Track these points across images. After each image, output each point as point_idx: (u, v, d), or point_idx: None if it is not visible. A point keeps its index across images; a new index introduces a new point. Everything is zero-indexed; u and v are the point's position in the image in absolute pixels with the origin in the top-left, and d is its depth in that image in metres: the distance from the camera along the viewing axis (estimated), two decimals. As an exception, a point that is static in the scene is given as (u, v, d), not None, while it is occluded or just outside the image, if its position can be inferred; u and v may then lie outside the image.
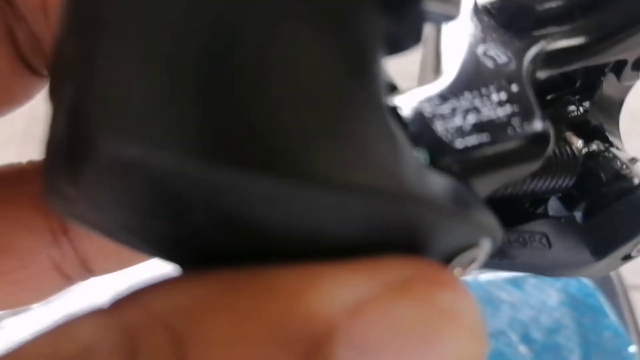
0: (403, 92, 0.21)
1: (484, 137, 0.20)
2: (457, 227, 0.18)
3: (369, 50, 0.16)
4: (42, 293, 0.22)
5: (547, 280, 0.81)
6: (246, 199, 0.14)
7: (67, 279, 0.22)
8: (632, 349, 0.78)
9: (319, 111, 0.14)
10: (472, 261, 0.19)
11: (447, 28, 0.23)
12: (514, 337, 0.78)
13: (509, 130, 0.20)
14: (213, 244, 0.15)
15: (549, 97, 0.27)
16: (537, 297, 0.80)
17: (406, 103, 0.20)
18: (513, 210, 0.25)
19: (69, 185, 0.14)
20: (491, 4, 0.24)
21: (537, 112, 0.21)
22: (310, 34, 0.14)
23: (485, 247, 0.19)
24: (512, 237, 0.24)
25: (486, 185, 0.21)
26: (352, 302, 0.14)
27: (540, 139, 0.21)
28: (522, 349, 0.78)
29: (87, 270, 0.23)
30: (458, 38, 0.23)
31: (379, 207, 0.15)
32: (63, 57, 0.14)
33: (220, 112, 0.13)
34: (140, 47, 0.13)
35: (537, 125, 0.21)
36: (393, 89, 0.21)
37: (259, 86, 0.13)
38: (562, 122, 0.26)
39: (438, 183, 0.18)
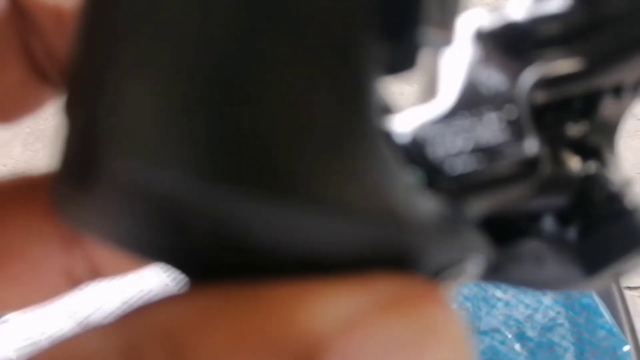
0: (399, 114, 0.21)
1: (479, 163, 0.20)
2: (445, 248, 0.18)
3: (363, 77, 0.16)
4: (50, 295, 0.23)
5: (543, 279, 0.82)
6: (246, 219, 0.14)
7: (76, 281, 0.23)
8: (626, 348, 0.79)
9: (316, 139, 0.15)
10: (461, 277, 0.20)
11: (447, 51, 0.24)
12: (509, 335, 0.79)
13: (504, 155, 0.21)
14: (215, 258, 0.16)
15: (547, 117, 0.27)
16: (532, 296, 0.81)
17: (401, 126, 0.20)
18: (507, 228, 0.25)
19: (79, 200, 0.15)
20: (490, 26, 0.24)
21: (533, 136, 0.21)
22: (307, 64, 0.15)
23: (473, 265, 0.20)
24: (505, 254, 0.24)
25: (479, 207, 0.21)
26: (343, 317, 0.15)
27: (535, 163, 0.21)
28: (517, 347, 0.78)
29: (97, 273, 0.23)
30: (457, 61, 0.23)
31: (369, 229, 0.16)
32: (78, 76, 0.15)
33: (222, 137, 0.14)
34: (149, 72, 0.14)
35: (533, 149, 0.21)
36: (389, 110, 0.22)
37: (258, 115, 0.14)
38: (560, 142, 0.27)
39: (429, 206, 0.18)
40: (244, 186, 0.14)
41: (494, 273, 0.24)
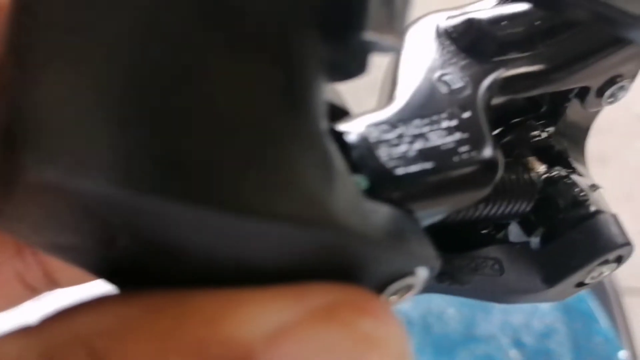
0: (354, 117, 0.21)
1: (428, 164, 0.20)
2: (390, 257, 0.18)
3: (305, 78, 0.16)
4: (6, 303, 0.23)
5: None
6: (166, 225, 0.14)
7: (32, 290, 0.23)
8: (622, 354, 0.78)
9: (244, 139, 0.14)
10: (408, 288, 0.20)
11: (406, 52, 0.23)
12: (505, 342, 0.79)
13: (455, 158, 0.20)
14: (143, 266, 0.16)
15: (513, 121, 0.27)
16: (529, 302, 0.80)
17: (353, 128, 0.20)
18: (467, 236, 0.25)
19: (3, 204, 0.15)
20: (453, 28, 0.24)
21: (488, 139, 0.21)
22: (243, 65, 0.15)
23: (421, 276, 0.19)
24: (463, 263, 0.24)
25: (430, 211, 0.21)
26: (273, 327, 0.15)
27: (488, 167, 0.21)
28: (513, 353, 0.78)
29: (52, 282, 0.23)
30: (416, 62, 0.23)
31: (304, 235, 0.16)
32: (2, 78, 0.15)
33: (141, 141, 0.13)
34: (69, 77, 0.13)
35: (486, 152, 0.21)
36: (344, 113, 0.22)
37: (182, 114, 0.14)
38: (525, 146, 0.26)
39: (373, 212, 0.18)
40: (164, 193, 0.13)
41: (451, 283, 0.24)
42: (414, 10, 0.25)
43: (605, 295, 0.84)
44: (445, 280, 0.24)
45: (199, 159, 0.14)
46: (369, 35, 0.16)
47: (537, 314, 0.80)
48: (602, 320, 0.80)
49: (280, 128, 0.15)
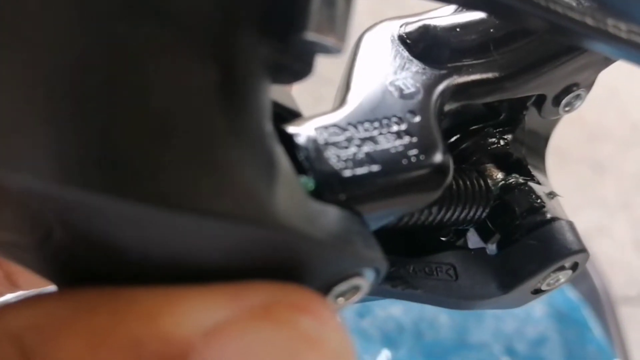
0: (305, 119, 0.21)
1: (375, 167, 0.20)
2: (335, 258, 0.18)
3: (244, 77, 0.16)
4: None
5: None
6: (100, 220, 0.14)
7: None
8: (616, 363, 0.78)
9: (179, 136, 0.14)
10: (355, 290, 0.20)
11: (361, 57, 0.24)
12: (498, 349, 0.78)
13: (404, 161, 0.21)
14: (83, 263, 0.16)
15: (472, 128, 0.27)
16: (521, 309, 0.80)
17: (303, 130, 0.20)
18: (422, 240, 0.25)
19: None
20: (407, 34, 0.24)
21: (437, 144, 0.21)
22: (177, 57, 0.15)
23: (367, 277, 0.20)
24: (418, 267, 0.24)
25: (379, 213, 0.21)
26: (211, 324, 0.15)
27: (437, 171, 0.21)
28: (505, 361, 0.78)
29: (13, 284, 0.23)
30: (370, 67, 0.23)
31: (242, 234, 0.16)
32: None
33: (72, 136, 0.13)
34: (6, 72, 0.13)
35: (435, 157, 0.21)
36: (295, 115, 0.22)
37: (114, 110, 0.14)
38: (483, 153, 0.27)
39: (319, 213, 0.18)
40: (94, 188, 0.13)
41: (405, 287, 0.24)
42: (372, 18, 0.26)
43: (599, 304, 0.83)
44: (399, 285, 0.24)
45: (131, 155, 0.14)
46: (311, 36, 0.16)
47: (530, 321, 0.80)
48: (596, 329, 0.79)
49: (217, 126, 0.15)
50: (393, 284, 0.24)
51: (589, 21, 0.19)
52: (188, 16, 0.15)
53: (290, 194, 0.17)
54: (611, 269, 1.03)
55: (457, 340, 0.78)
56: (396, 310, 0.75)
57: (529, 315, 0.80)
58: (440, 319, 0.78)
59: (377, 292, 0.24)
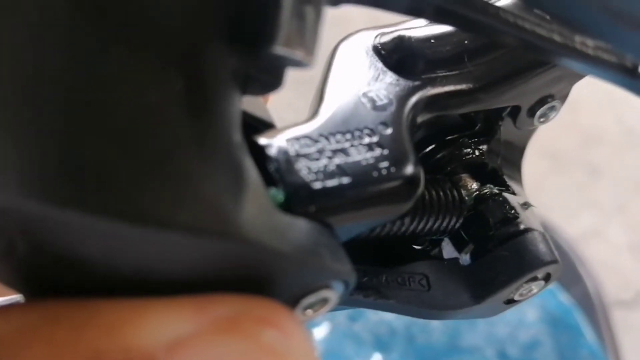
0: (277, 130, 0.21)
1: (346, 179, 0.20)
2: (302, 270, 0.18)
3: (212, 88, 0.16)
4: None
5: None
6: (63, 233, 0.14)
7: None
8: (608, 367, 0.78)
9: (141, 147, 0.14)
10: (323, 302, 0.20)
11: (335, 68, 0.24)
12: (490, 353, 0.78)
13: (375, 173, 0.21)
14: (48, 275, 0.16)
15: (447, 137, 0.27)
16: (514, 313, 0.80)
17: (274, 142, 0.20)
18: (396, 250, 0.25)
19: None
20: (382, 45, 0.24)
21: (409, 156, 0.21)
22: (142, 67, 0.15)
23: (336, 290, 0.20)
24: (390, 277, 0.24)
25: (349, 225, 0.21)
26: (174, 336, 0.15)
27: (408, 183, 0.21)
28: (498, 365, 0.78)
29: None
30: (344, 78, 0.23)
31: (207, 247, 0.16)
32: None
33: (32, 148, 0.13)
34: None
35: (406, 169, 0.21)
36: (268, 126, 0.22)
37: (75, 121, 0.14)
38: (458, 163, 0.27)
39: (287, 225, 0.18)
40: (55, 201, 0.13)
41: (377, 297, 0.24)
42: (347, 28, 0.26)
43: (592, 308, 0.83)
44: (371, 295, 0.24)
45: (92, 166, 0.14)
46: (279, 50, 0.16)
47: (523, 325, 0.80)
48: (588, 334, 0.79)
49: (181, 137, 0.15)
50: (365, 294, 0.24)
51: (557, 38, 0.19)
52: (154, 27, 0.15)
53: (257, 206, 0.17)
54: (606, 273, 1.03)
55: (449, 344, 0.78)
56: (388, 314, 0.75)
57: (522, 319, 0.80)
58: (433, 322, 0.78)
59: (348, 302, 0.24)
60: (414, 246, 0.26)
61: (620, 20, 0.17)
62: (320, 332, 0.76)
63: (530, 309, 0.81)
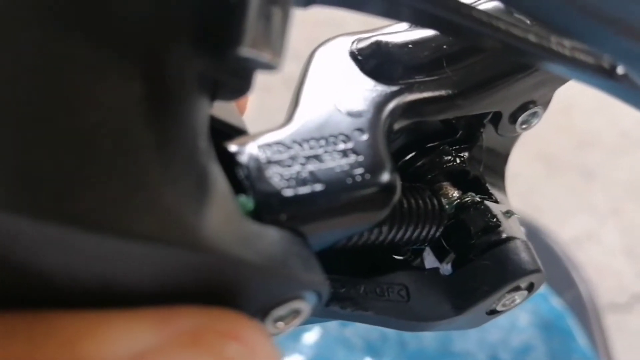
0: (249, 136, 0.21)
1: (319, 186, 0.20)
2: (271, 281, 0.18)
3: (176, 94, 0.16)
4: None
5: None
6: (17, 242, 0.13)
7: None
8: (601, 372, 0.77)
9: (99, 154, 0.14)
10: (295, 314, 0.19)
11: (312, 73, 0.23)
12: (482, 358, 0.78)
13: (348, 180, 0.20)
14: (4, 287, 0.15)
15: (428, 145, 0.27)
16: (506, 318, 0.80)
17: (246, 148, 0.20)
18: (374, 260, 0.25)
19: None
20: (359, 50, 0.24)
21: (384, 162, 0.21)
22: (102, 72, 0.14)
23: (308, 301, 0.19)
24: (369, 288, 0.24)
25: (323, 234, 0.20)
26: (136, 350, 0.14)
27: (383, 190, 0.21)
28: (490, 370, 0.77)
29: None
30: (320, 83, 0.23)
31: (168, 257, 0.15)
32: None
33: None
34: None
35: (382, 176, 0.20)
36: (240, 133, 0.21)
37: (29, 126, 0.13)
38: (439, 171, 0.26)
39: (256, 235, 0.18)
40: (12, 209, 0.13)
41: (354, 309, 0.24)
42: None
43: (585, 313, 0.83)
44: (348, 307, 0.23)
45: (48, 173, 0.13)
46: (245, 52, 0.16)
47: (515, 330, 0.79)
48: (580, 338, 0.79)
49: (143, 144, 0.15)
50: (342, 305, 0.24)
51: (532, 38, 0.19)
52: (113, 30, 0.14)
53: (223, 214, 0.17)
54: (600, 276, 1.03)
55: (441, 349, 0.78)
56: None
57: (514, 324, 0.79)
58: (425, 327, 0.78)
59: (324, 314, 0.23)
60: (396, 257, 0.26)
61: (599, 21, 0.16)
62: (311, 337, 0.75)
63: (522, 313, 0.80)
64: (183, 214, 0.15)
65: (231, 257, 0.16)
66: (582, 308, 0.83)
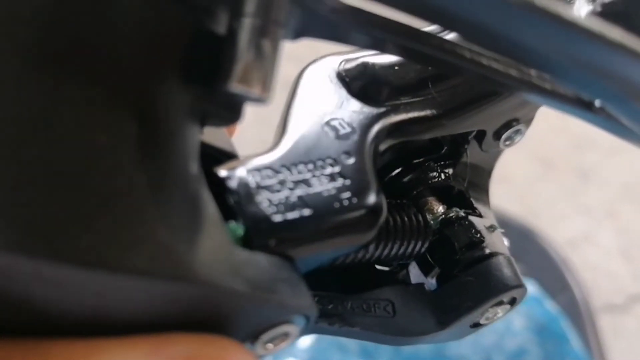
0: (239, 160, 0.21)
1: (307, 211, 0.20)
2: (260, 308, 0.18)
3: (166, 127, 0.16)
4: None
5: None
6: (10, 278, 0.14)
7: None
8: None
9: (91, 191, 0.14)
10: (284, 336, 0.20)
11: (300, 93, 0.23)
12: (476, 362, 0.78)
13: (336, 204, 0.20)
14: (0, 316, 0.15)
15: (414, 161, 0.27)
16: (501, 322, 0.80)
17: (235, 173, 0.20)
18: (361, 275, 0.25)
19: None
20: (346, 71, 0.24)
21: (371, 186, 0.21)
22: (94, 109, 0.14)
23: (296, 324, 0.20)
24: (355, 304, 0.24)
25: (311, 257, 0.21)
26: None
27: (369, 213, 0.21)
28: (484, 374, 0.77)
29: None
30: (308, 105, 0.23)
31: (159, 289, 0.15)
32: None
33: None
34: None
35: (368, 199, 0.21)
36: (229, 156, 0.21)
37: (20, 166, 0.13)
38: (425, 186, 0.26)
39: (245, 263, 0.18)
40: (4, 247, 0.13)
41: (342, 325, 0.24)
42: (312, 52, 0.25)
43: (579, 316, 0.83)
44: (336, 323, 0.24)
45: (41, 212, 0.13)
46: (235, 87, 0.16)
47: (509, 334, 0.80)
48: (575, 341, 0.79)
49: (135, 180, 0.15)
50: (330, 321, 0.24)
51: (514, 73, 0.19)
52: (104, 69, 0.15)
53: (214, 244, 0.17)
54: (596, 277, 1.03)
55: (435, 353, 0.78)
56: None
57: (508, 327, 0.79)
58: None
59: (313, 330, 0.24)
60: (381, 267, 0.26)
61: (575, 65, 0.17)
62: (305, 341, 0.76)
63: (516, 317, 0.80)
64: (174, 247, 0.16)
65: (222, 288, 0.17)
66: (576, 311, 0.83)
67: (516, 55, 0.16)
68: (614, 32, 0.15)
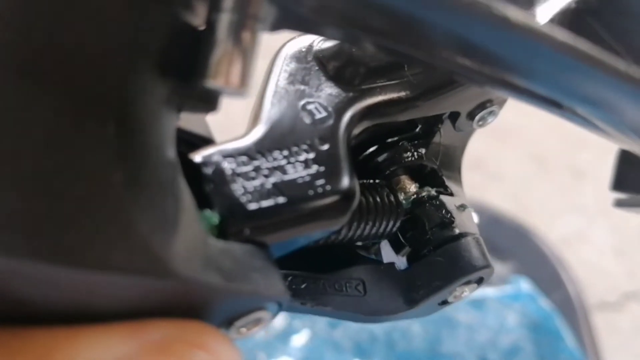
0: (215, 146, 0.21)
1: (281, 199, 0.20)
2: (234, 298, 0.19)
3: (142, 124, 0.16)
4: None
5: (506, 301, 0.81)
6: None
7: None
8: (589, 371, 0.77)
9: (70, 193, 0.14)
10: (257, 322, 0.20)
11: (276, 73, 0.23)
12: (471, 359, 0.78)
13: (310, 191, 0.21)
14: None
15: (389, 140, 0.27)
16: (495, 319, 0.80)
17: (211, 159, 0.20)
18: (331, 257, 0.25)
19: None
20: (322, 52, 0.24)
21: (344, 172, 0.21)
22: (67, 112, 0.15)
23: (270, 310, 0.20)
24: (328, 283, 0.24)
25: (285, 243, 0.21)
26: (108, 359, 0.15)
27: (343, 199, 0.21)
28: (478, 371, 0.77)
29: None
30: (284, 87, 0.23)
31: (137, 284, 0.16)
32: None
33: None
34: None
35: (341, 185, 0.21)
36: (206, 141, 0.22)
37: (1, 171, 0.14)
38: (398, 165, 0.27)
39: (219, 254, 0.18)
40: None
41: (314, 304, 0.24)
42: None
43: (574, 313, 0.83)
44: (308, 302, 0.24)
45: (20, 215, 0.14)
46: (212, 83, 0.16)
47: (503, 331, 0.79)
48: (569, 339, 0.79)
49: (112, 178, 0.15)
50: (302, 301, 0.24)
51: (487, 71, 0.19)
52: (77, 70, 0.15)
53: (189, 235, 0.18)
54: (590, 275, 1.03)
55: (429, 350, 0.78)
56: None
57: (502, 325, 0.79)
58: (413, 328, 0.78)
59: (286, 309, 0.24)
60: (340, 252, 0.26)
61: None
62: (300, 339, 0.76)
63: (510, 314, 0.80)
64: (152, 242, 0.16)
65: (197, 281, 0.17)
66: (570, 308, 0.83)
67: (479, 60, 0.16)
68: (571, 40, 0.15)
